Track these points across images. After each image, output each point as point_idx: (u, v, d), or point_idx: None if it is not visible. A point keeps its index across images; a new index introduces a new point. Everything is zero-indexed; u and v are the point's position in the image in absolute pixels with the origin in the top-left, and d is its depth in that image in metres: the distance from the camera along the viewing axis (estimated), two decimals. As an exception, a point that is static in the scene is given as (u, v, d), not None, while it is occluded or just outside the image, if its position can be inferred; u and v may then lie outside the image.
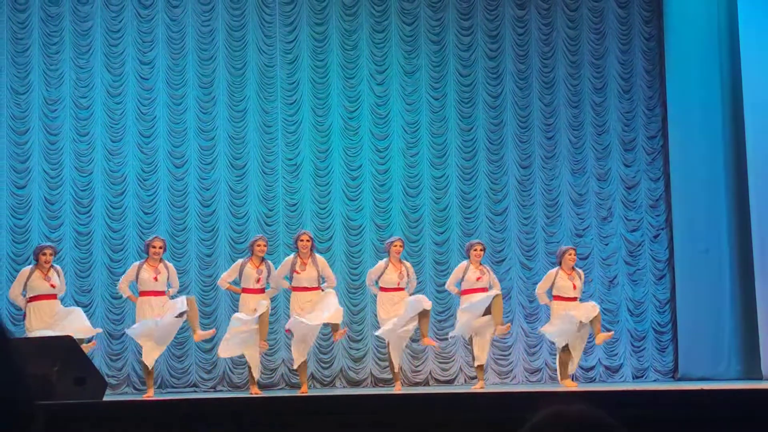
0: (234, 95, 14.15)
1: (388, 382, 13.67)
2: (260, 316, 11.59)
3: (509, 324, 12.97)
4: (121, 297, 13.37)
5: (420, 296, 12.33)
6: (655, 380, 14.57)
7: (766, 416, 5.57)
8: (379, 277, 12.27)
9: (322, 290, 11.93)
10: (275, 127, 14.23)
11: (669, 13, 15.15)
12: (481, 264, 12.49)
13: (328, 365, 13.97)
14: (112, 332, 13.39)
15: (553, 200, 14.83)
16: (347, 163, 14.38)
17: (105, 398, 8.74)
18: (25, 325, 11.33)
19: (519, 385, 14.14)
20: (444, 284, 13.42)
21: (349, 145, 14.43)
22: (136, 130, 13.83)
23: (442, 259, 14.41)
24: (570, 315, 12.15)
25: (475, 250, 12.46)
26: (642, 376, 14.65)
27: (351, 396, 9.84)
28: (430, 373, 14.11)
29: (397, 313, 12.10)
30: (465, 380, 14.14)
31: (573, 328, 12.19)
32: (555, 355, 13.86)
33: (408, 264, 12.51)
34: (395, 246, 12.27)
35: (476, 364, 12.39)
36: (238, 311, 11.93)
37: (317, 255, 12.09)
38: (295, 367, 12.10)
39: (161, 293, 11.61)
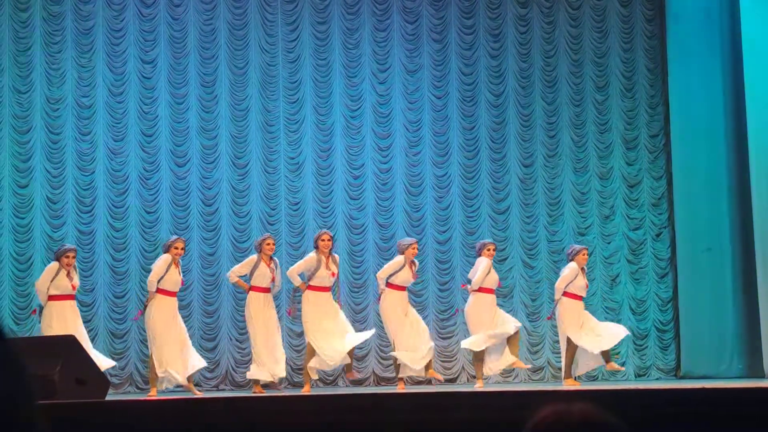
0: (236, 94, 14.14)
1: (390, 381, 13.67)
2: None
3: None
4: (125, 296, 13.42)
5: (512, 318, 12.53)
6: (657, 379, 14.57)
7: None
8: (391, 276, 12.30)
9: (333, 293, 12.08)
10: (277, 125, 14.22)
11: (671, 12, 15.14)
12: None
13: (330, 364, 13.96)
14: (115, 331, 13.39)
15: (556, 199, 14.82)
16: (349, 161, 14.38)
17: (108, 397, 8.74)
18: (42, 324, 11.45)
19: (521, 383, 14.13)
20: (446, 283, 13.47)
21: (352, 144, 14.42)
22: (138, 129, 13.83)
23: (444, 258, 14.40)
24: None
25: (488, 249, 12.53)
26: (644, 375, 14.65)
27: (353, 395, 9.84)
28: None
29: (405, 313, 12.20)
30: (467, 379, 14.13)
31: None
32: (558, 354, 13.87)
33: (416, 263, 12.60)
34: (413, 248, 12.32)
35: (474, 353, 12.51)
36: (245, 309, 12.03)
37: (334, 254, 12.26)
38: (311, 374, 12.11)
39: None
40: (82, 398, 7.82)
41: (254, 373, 12.00)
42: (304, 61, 14.36)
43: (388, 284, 12.31)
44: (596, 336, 12.49)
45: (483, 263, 12.50)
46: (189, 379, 11.77)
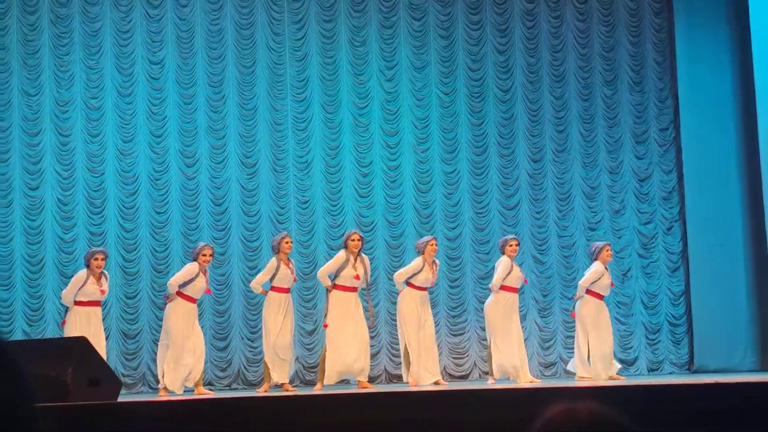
0: (244, 93, 14.15)
1: (401, 379, 13.66)
2: None
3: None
4: (136, 296, 13.45)
5: None
6: (670, 373, 14.54)
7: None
8: (412, 276, 12.29)
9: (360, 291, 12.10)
10: (285, 124, 14.23)
11: (679, 4, 15.09)
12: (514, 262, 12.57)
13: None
14: (127, 332, 13.42)
15: (565, 194, 14.80)
16: (358, 159, 14.38)
17: (120, 398, 8.76)
18: (65, 330, 11.51)
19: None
20: (456, 279, 13.46)
21: (360, 142, 14.42)
22: (147, 129, 13.85)
23: (454, 255, 14.39)
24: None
25: (511, 245, 12.49)
26: (657, 369, 14.62)
27: (364, 393, 9.84)
28: (444, 368, 14.08)
29: (420, 322, 12.16)
30: (479, 376, 14.12)
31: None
32: (569, 349, 13.86)
33: (437, 262, 12.60)
34: (431, 245, 12.31)
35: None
36: (264, 310, 12.02)
37: (363, 255, 12.23)
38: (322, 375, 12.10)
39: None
40: (95, 399, 7.83)
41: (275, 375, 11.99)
42: (311, 59, 14.36)
43: (408, 284, 12.32)
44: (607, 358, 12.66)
45: (501, 263, 12.49)
46: (198, 383, 11.75)
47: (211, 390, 12.22)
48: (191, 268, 11.79)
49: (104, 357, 10.99)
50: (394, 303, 13.97)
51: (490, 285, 12.64)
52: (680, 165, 14.90)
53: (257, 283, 12.16)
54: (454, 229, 14.49)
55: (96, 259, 11.58)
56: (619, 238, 14.80)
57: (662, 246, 14.91)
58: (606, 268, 12.69)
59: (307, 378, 13.59)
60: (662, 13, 15.27)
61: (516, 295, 12.53)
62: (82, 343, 8.74)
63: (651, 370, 14.59)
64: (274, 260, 12.03)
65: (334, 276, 12.06)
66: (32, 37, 13.63)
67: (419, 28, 14.73)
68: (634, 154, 15.00)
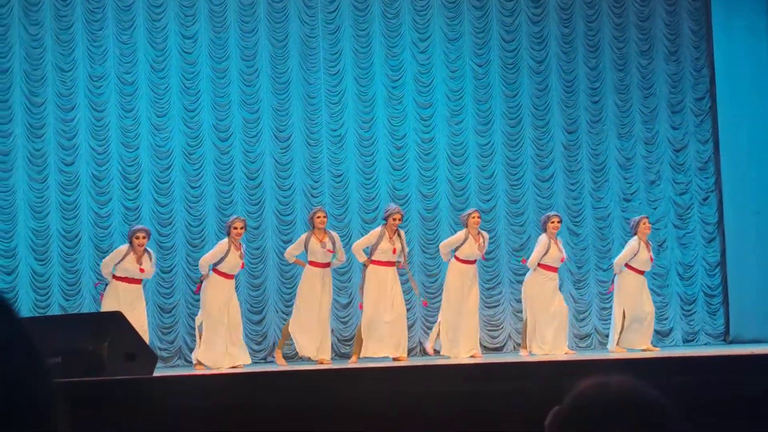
0: (277, 67, 14.14)
1: (436, 351, 13.68)
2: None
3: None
4: (172, 270, 13.52)
5: None
6: (706, 344, 14.48)
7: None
8: (457, 249, 12.32)
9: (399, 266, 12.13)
10: (319, 98, 14.21)
11: (715, -28, 14.93)
12: (557, 238, 12.55)
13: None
14: (163, 306, 13.49)
15: (600, 165, 14.72)
16: (391, 132, 14.35)
17: (157, 371, 8.81)
18: (103, 304, 11.63)
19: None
20: (491, 252, 13.47)
21: (393, 115, 14.39)
22: (180, 104, 13.87)
23: (488, 227, 14.33)
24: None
25: (552, 222, 12.47)
26: (693, 340, 14.56)
27: (395, 367, 9.87)
28: (479, 340, 14.07)
29: (464, 295, 12.21)
30: (513, 347, 14.11)
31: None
32: (604, 321, 13.84)
33: (485, 234, 12.61)
34: (473, 217, 12.33)
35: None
36: (300, 283, 12.14)
37: (401, 230, 12.27)
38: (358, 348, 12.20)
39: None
40: (131, 373, 7.89)
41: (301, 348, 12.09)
42: (344, 32, 14.32)
43: (455, 257, 12.38)
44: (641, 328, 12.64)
45: (540, 242, 12.52)
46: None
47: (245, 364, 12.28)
48: (221, 246, 11.90)
49: (146, 334, 11.08)
50: (429, 275, 14.01)
51: (528, 262, 12.68)
52: (716, 135, 14.78)
53: (288, 253, 12.46)
54: (488, 201, 14.44)
55: (137, 238, 11.66)
56: (655, 209, 14.71)
57: (698, 216, 14.81)
58: (647, 241, 12.67)
59: (342, 351, 13.62)
60: (698, -19, 15.11)
61: (555, 275, 12.54)
62: (118, 317, 8.81)
63: (686, 341, 14.53)
64: (304, 235, 12.19)
65: (370, 251, 12.11)
66: (65, 13, 13.65)
67: (452, -1, 14.65)
68: (670, 124, 14.89)
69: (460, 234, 12.40)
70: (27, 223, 13.37)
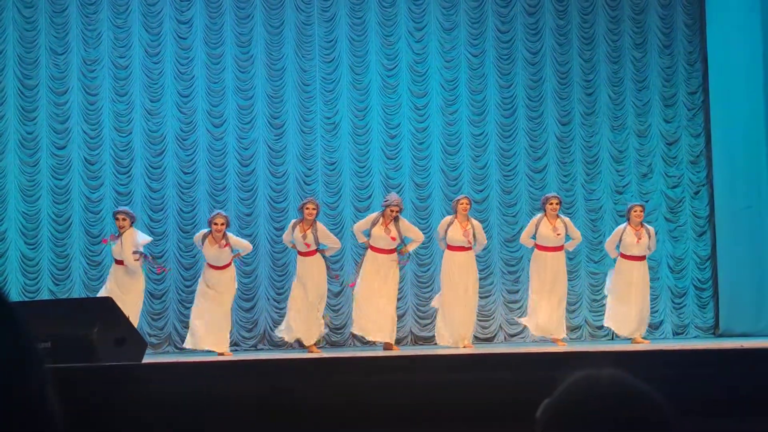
0: (272, 54, 14.12)
1: (428, 341, 13.70)
2: None
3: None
4: (163, 256, 13.51)
5: None
6: (695, 337, 14.51)
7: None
8: (446, 233, 12.39)
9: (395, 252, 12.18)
10: (313, 85, 14.20)
11: (710, -34, 14.93)
12: (559, 216, 12.61)
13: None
14: (153, 292, 13.48)
15: (593, 157, 14.73)
16: (386, 121, 14.34)
17: (146, 358, 8.81)
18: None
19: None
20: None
21: (388, 103, 14.38)
22: (174, 89, 13.85)
23: (481, 218, 14.33)
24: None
25: (551, 203, 12.54)
26: (682, 333, 14.59)
27: (389, 356, 9.88)
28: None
29: (461, 276, 12.25)
30: (505, 338, 14.13)
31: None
32: (595, 312, 13.87)
33: (475, 222, 12.61)
34: (461, 203, 12.36)
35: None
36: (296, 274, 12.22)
37: (403, 219, 12.30)
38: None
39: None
40: (121, 359, 7.88)
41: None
42: (339, 19, 14.30)
43: (448, 246, 12.45)
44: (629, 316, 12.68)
45: (531, 220, 12.71)
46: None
47: (236, 350, 12.30)
48: (199, 236, 12.11)
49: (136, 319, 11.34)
50: (420, 265, 14.01)
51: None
52: (708, 129, 14.79)
53: (284, 240, 12.49)
54: (481, 191, 14.45)
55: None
56: (647, 201, 14.70)
57: (689, 210, 14.83)
58: (641, 224, 12.72)
59: (333, 339, 13.63)
60: (693, -25, 15.11)
61: (551, 254, 12.54)
62: (108, 303, 8.80)
63: (676, 334, 14.56)
64: (293, 221, 12.24)
65: (369, 236, 12.22)
66: (60, -4, 13.62)
67: (448, -11, 14.63)
68: (663, 117, 14.90)
69: (448, 217, 12.48)
70: (17, 206, 13.35)
